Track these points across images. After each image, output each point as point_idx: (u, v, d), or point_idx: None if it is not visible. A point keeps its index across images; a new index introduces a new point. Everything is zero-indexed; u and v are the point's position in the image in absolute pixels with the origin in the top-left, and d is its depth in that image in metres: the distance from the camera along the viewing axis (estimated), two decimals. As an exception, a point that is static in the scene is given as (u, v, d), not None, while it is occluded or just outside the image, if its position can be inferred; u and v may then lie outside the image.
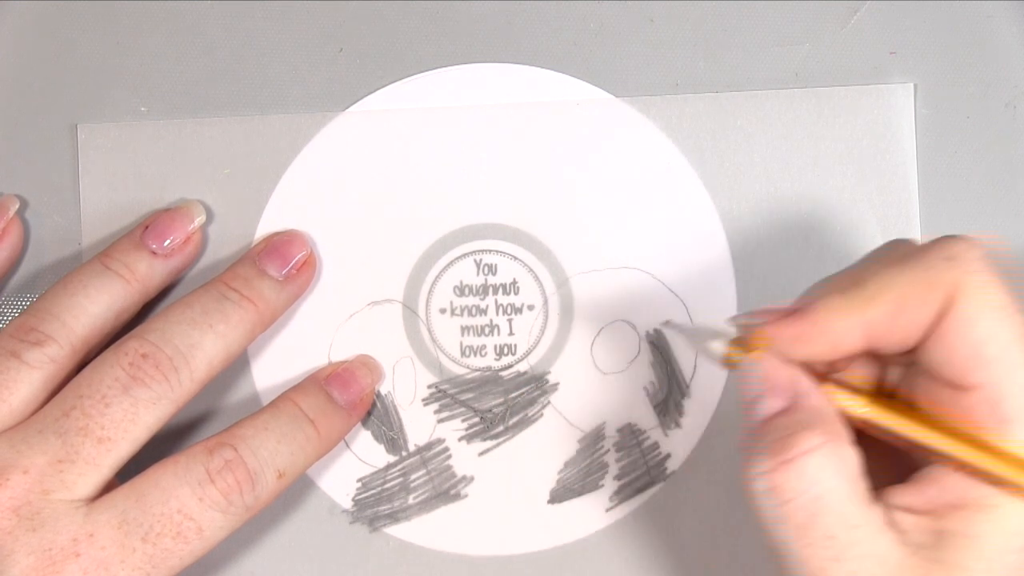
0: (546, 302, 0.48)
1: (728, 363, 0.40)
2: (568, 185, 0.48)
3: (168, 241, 0.46)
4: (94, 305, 0.44)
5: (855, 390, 0.39)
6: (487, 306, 0.48)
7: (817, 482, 0.36)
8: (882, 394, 0.39)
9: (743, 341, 0.39)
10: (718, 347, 0.40)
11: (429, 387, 0.48)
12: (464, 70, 0.48)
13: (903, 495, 0.38)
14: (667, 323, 0.47)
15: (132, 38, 0.49)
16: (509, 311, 0.48)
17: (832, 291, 0.38)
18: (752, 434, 0.38)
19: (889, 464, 0.39)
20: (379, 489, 0.48)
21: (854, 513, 0.37)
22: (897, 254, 0.38)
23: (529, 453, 0.48)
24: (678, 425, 0.48)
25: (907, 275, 0.38)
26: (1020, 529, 0.36)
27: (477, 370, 0.48)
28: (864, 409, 0.39)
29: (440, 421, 0.48)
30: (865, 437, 0.39)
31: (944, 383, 0.37)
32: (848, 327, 0.38)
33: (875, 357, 0.40)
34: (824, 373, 0.39)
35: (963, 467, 0.37)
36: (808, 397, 0.38)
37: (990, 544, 0.36)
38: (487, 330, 0.48)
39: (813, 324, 0.38)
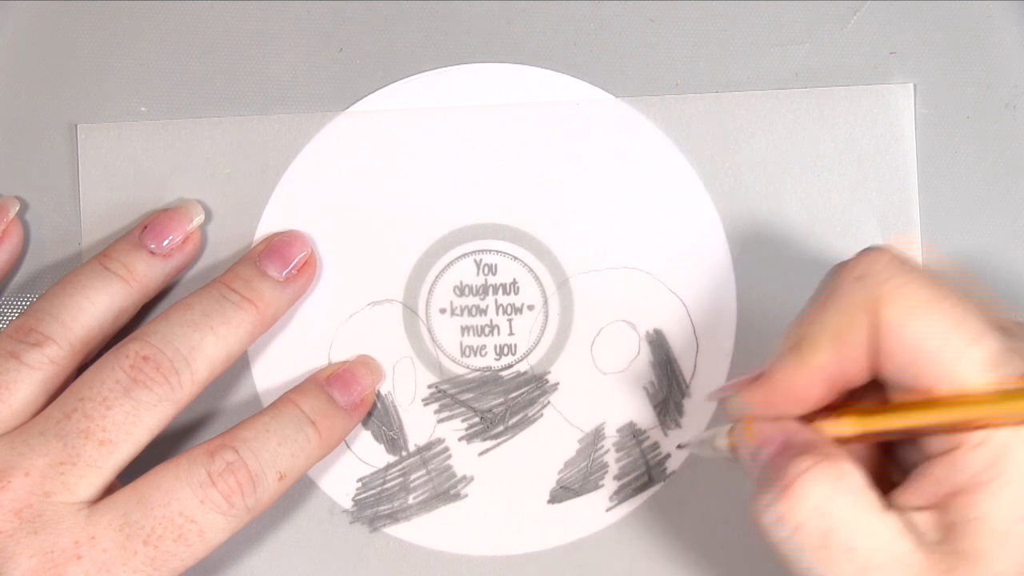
0: (546, 302, 0.48)
1: (735, 450, 0.41)
2: (568, 185, 0.48)
3: (167, 241, 0.46)
4: (93, 306, 0.44)
5: (840, 414, 0.39)
6: (487, 306, 0.48)
7: (817, 497, 0.37)
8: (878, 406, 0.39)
9: (737, 426, 0.41)
10: (722, 443, 0.42)
11: (429, 387, 0.48)
12: (464, 70, 0.48)
13: (907, 495, 0.38)
14: (679, 446, 0.48)
15: (132, 38, 0.49)
16: (509, 311, 0.48)
17: (784, 349, 0.39)
18: (757, 482, 0.39)
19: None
20: (379, 489, 0.48)
21: (867, 521, 0.37)
22: (824, 291, 0.39)
23: (529, 453, 0.48)
24: (678, 425, 0.48)
25: (832, 311, 0.38)
26: (1019, 496, 0.36)
27: (477, 370, 0.48)
28: (850, 428, 0.39)
29: (440, 421, 0.48)
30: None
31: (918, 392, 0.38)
32: (804, 382, 0.39)
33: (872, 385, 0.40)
34: (835, 404, 0.40)
35: (957, 428, 0.37)
36: (797, 435, 0.39)
37: (995, 519, 0.36)
38: (487, 330, 0.48)
39: (773, 388, 0.40)
